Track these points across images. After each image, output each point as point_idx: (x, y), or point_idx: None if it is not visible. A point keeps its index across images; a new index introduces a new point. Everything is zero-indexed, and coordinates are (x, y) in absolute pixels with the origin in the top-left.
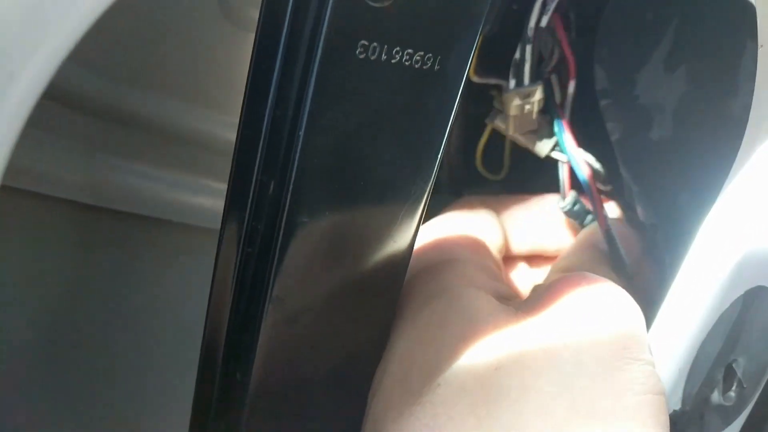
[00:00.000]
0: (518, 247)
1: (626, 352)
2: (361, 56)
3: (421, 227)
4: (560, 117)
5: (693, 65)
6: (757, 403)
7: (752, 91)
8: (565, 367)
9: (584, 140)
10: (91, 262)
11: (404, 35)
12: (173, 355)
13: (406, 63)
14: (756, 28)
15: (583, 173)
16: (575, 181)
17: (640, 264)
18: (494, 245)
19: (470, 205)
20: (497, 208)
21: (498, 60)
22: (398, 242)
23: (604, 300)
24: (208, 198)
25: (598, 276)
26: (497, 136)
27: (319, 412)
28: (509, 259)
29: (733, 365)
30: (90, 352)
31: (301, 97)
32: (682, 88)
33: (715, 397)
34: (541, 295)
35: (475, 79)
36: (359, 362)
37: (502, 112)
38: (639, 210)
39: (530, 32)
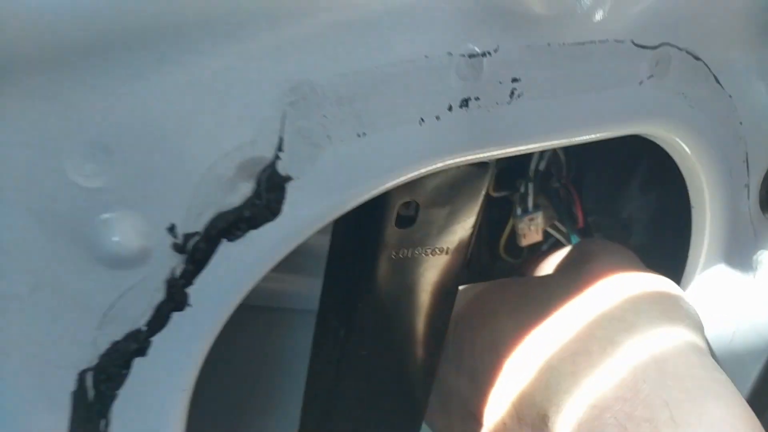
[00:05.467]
0: None
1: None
2: (394, 257)
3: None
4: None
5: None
6: None
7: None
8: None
9: None
10: None
11: (427, 239)
12: None
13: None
14: None
15: None
16: None
17: None
18: None
19: None
20: None
21: (509, 178)
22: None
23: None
24: None
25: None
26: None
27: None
28: None
29: None
30: None
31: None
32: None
33: None
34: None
35: (494, 194)
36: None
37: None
38: None
39: (531, 173)
